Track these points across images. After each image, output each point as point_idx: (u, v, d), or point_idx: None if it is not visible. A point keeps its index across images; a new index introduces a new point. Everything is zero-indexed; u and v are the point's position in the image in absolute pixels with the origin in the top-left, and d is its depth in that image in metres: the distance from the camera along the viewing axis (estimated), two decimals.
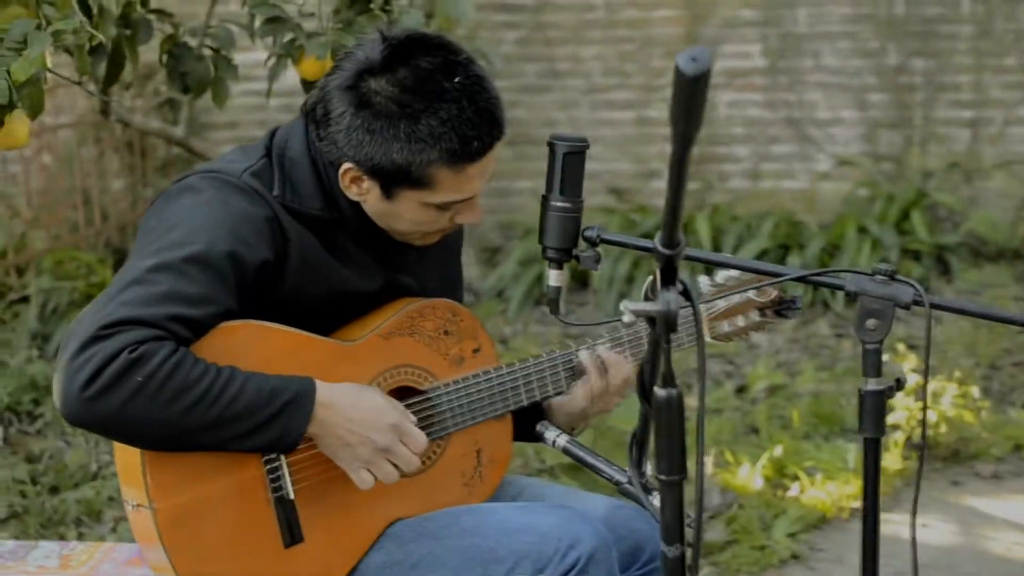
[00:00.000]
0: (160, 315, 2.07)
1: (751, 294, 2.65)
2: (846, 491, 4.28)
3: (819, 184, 6.85)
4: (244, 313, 2.20)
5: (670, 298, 1.56)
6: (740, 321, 2.70)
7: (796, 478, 4.38)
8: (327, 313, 2.32)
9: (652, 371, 1.67)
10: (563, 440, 2.31)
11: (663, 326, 1.56)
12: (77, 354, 2.03)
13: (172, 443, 2.11)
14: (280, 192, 2.27)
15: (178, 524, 2.14)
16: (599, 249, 2.33)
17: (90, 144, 6.39)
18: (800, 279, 2.40)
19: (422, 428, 2.34)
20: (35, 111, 2.48)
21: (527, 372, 2.43)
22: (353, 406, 2.21)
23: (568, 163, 2.29)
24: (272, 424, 2.13)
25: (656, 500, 2.11)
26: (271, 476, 2.21)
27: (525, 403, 2.44)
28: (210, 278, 2.13)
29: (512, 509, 2.36)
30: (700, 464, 1.63)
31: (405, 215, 2.31)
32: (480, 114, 2.23)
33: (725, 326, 2.68)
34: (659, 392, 1.59)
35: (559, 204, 2.31)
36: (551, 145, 2.30)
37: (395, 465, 2.25)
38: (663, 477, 1.59)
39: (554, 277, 2.35)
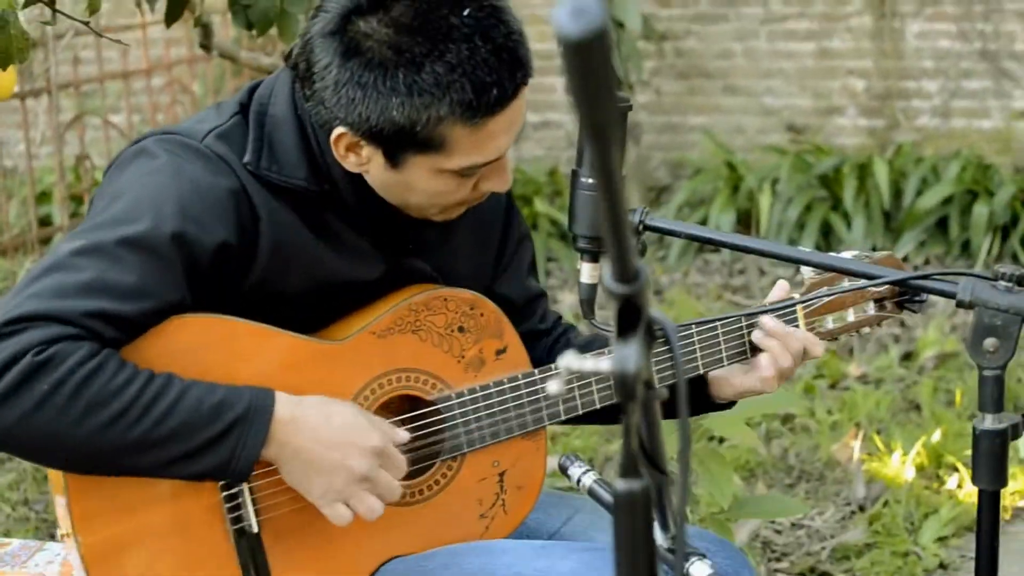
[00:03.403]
0: (78, 310, 1.70)
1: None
2: (1010, 487, 3.72)
3: (1015, 123, 6.22)
4: (203, 306, 1.81)
5: (628, 354, 1.10)
6: (850, 316, 2.23)
7: (955, 469, 3.84)
8: (314, 307, 1.92)
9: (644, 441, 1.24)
10: (589, 479, 1.85)
11: (620, 392, 1.12)
12: None
13: (91, 467, 1.74)
14: (253, 158, 1.87)
15: (109, 561, 1.78)
16: (644, 239, 1.89)
17: (229, 78, 6.15)
18: (899, 283, 1.92)
19: (429, 447, 1.95)
20: (6, 60, 2.13)
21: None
22: (324, 424, 1.80)
23: None
24: (216, 447, 1.74)
25: (699, 570, 1.68)
26: (229, 505, 1.84)
27: (563, 416, 2.02)
28: (149, 266, 1.75)
29: (527, 549, 1.94)
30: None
31: (418, 186, 1.89)
32: (497, 54, 1.79)
33: (828, 322, 2.21)
34: (619, 485, 1.14)
35: (593, 181, 1.87)
36: None
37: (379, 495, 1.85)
38: None
39: (587, 272, 1.91)
